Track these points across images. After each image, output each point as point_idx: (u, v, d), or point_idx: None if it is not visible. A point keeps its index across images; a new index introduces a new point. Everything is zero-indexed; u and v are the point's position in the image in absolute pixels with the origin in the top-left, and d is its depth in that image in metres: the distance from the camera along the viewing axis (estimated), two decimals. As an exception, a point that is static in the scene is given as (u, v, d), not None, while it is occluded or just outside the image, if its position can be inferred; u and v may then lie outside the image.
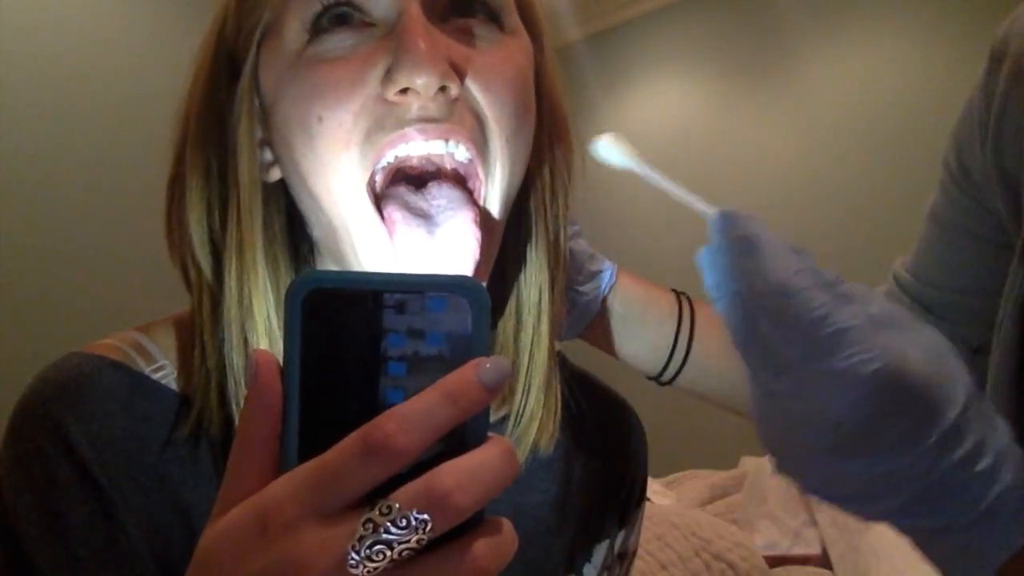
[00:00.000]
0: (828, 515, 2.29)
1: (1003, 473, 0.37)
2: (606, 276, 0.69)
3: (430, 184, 0.49)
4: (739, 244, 0.41)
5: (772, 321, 0.39)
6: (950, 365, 0.37)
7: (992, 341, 0.66)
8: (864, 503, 0.39)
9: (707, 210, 0.43)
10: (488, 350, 0.31)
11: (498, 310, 0.57)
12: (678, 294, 0.73)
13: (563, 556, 0.61)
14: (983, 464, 0.37)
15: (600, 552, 0.64)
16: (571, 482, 0.62)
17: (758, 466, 2.67)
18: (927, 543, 0.39)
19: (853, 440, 0.37)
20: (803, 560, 2.23)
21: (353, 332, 0.31)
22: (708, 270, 0.43)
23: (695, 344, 0.70)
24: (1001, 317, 0.65)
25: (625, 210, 3.64)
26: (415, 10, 0.47)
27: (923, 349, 0.37)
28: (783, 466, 0.41)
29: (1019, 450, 0.38)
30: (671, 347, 0.70)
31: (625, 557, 0.68)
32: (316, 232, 0.53)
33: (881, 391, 0.36)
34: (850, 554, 2.11)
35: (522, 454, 0.57)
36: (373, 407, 0.30)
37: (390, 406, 0.29)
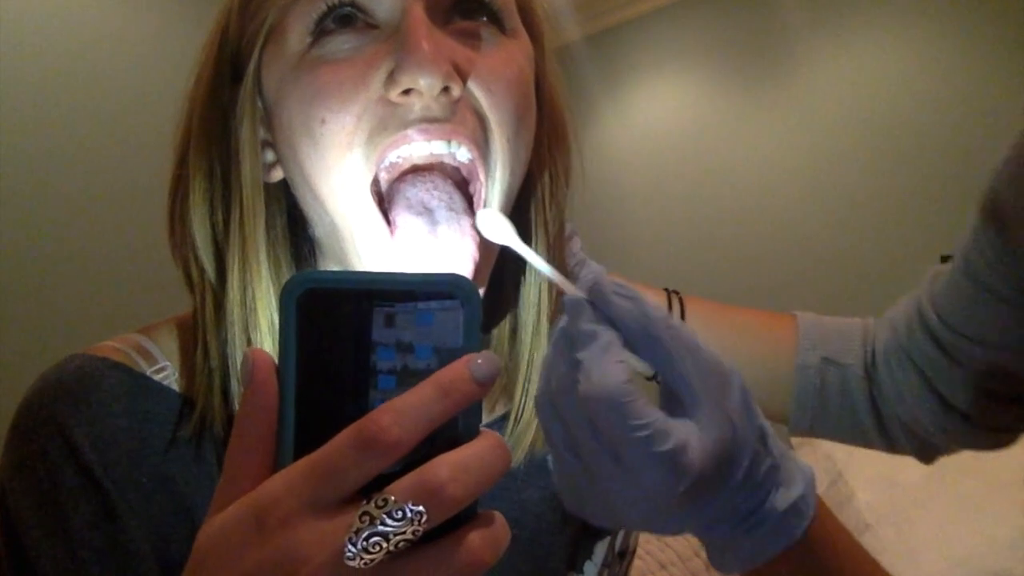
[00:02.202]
0: (828, 515, 2.29)
1: (771, 499, 0.43)
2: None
3: (433, 175, 0.49)
4: (580, 336, 0.40)
5: (588, 430, 0.40)
6: (740, 436, 0.41)
7: None
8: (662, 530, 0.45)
9: (574, 291, 0.42)
10: (480, 346, 0.32)
11: (498, 311, 0.58)
12: (669, 292, 0.74)
13: (565, 554, 0.61)
14: (755, 496, 0.43)
15: (601, 550, 0.64)
16: None
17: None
18: (700, 536, 0.46)
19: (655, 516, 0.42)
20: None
21: (348, 331, 0.31)
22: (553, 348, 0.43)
23: None
24: None
25: (624, 210, 3.64)
26: (418, 12, 0.47)
27: (714, 435, 0.40)
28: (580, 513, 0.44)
29: (798, 477, 0.44)
30: None
31: (625, 555, 0.68)
32: (319, 232, 0.54)
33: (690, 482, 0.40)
34: (850, 554, 2.11)
35: (522, 453, 0.58)
36: (368, 404, 0.30)
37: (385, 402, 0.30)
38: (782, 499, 0.44)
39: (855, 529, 2.10)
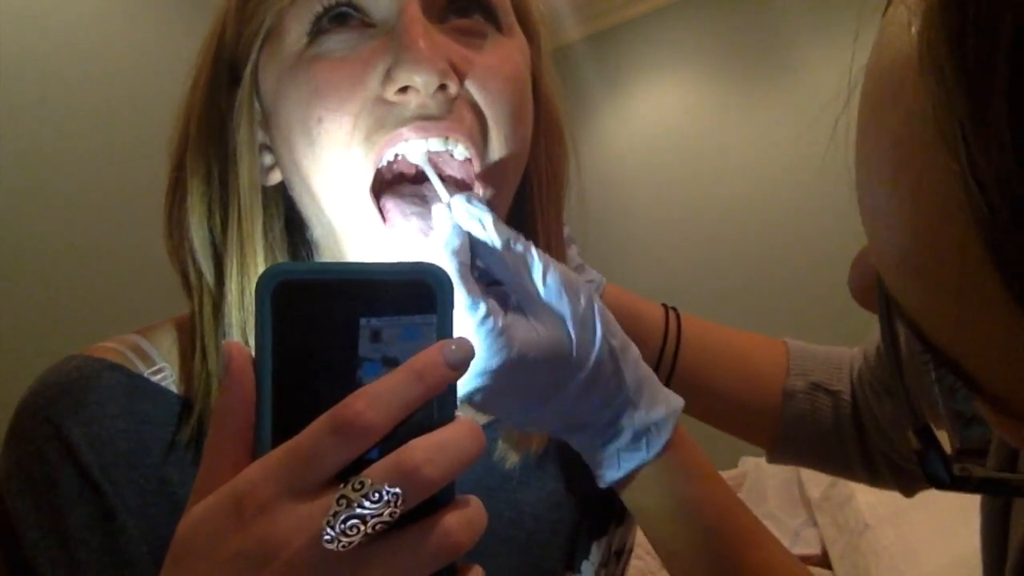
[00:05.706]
0: (828, 515, 2.29)
1: (625, 417, 0.48)
2: (593, 288, 0.69)
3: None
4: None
5: None
6: (581, 343, 0.46)
7: None
8: (532, 427, 0.51)
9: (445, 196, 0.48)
10: (453, 332, 0.33)
11: None
12: (667, 308, 0.73)
13: (562, 554, 0.61)
14: (607, 411, 0.48)
15: (598, 549, 0.64)
16: (569, 480, 0.62)
17: (757, 466, 2.67)
18: (573, 444, 0.51)
19: (499, 394, 0.46)
20: (803, 560, 2.23)
21: (322, 322, 0.32)
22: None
23: (680, 360, 0.71)
24: None
25: (623, 210, 3.64)
26: (414, 10, 0.47)
27: (548, 335, 0.46)
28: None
29: (662, 404, 0.50)
30: (656, 361, 0.70)
31: (622, 554, 0.68)
32: (316, 234, 0.54)
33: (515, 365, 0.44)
34: (850, 554, 2.12)
35: (517, 454, 0.58)
36: (344, 392, 0.31)
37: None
38: (640, 418, 0.48)
39: (855, 529, 2.10)
